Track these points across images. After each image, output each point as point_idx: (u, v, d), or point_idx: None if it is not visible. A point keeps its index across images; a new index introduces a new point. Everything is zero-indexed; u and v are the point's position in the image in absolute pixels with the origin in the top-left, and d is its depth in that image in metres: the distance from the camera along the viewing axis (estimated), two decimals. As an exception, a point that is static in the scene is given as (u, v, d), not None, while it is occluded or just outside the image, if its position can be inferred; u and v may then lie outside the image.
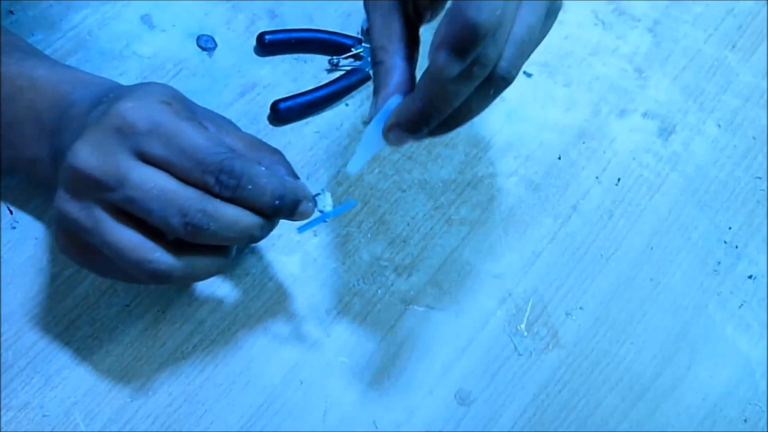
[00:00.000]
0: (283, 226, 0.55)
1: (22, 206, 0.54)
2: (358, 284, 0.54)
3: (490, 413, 0.52)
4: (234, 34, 0.62)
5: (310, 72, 0.61)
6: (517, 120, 0.61)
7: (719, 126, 0.63)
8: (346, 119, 0.60)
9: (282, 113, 0.58)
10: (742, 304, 0.57)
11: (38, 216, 0.53)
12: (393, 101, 0.42)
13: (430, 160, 0.59)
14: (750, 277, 0.58)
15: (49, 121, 0.47)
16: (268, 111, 0.59)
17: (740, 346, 0.56)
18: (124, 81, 0.50)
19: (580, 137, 0.62)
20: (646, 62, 0.65)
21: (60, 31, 0.59)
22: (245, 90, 0.60)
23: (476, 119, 0.42)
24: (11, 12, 0.59)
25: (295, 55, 0.62)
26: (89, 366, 0.50)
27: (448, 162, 0.59)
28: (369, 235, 0.56)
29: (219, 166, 0.42)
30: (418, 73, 0.42)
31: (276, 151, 0.48)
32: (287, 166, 0.48)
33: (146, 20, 0.61)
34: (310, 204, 0.45)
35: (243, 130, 0.58)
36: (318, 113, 0.60)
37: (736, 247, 0.59)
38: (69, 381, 0.49)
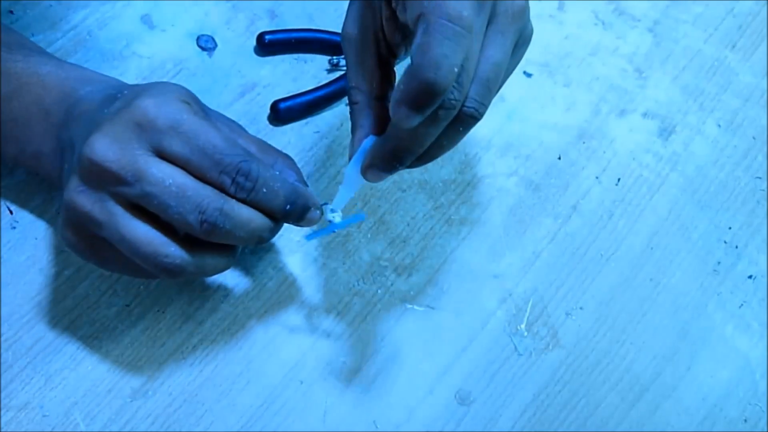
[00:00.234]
0: (283, 226, 0.55)
1: (22, 206, 0.54)
2: (358, 284, 0.54)
3: (490, 413, 0.52)
4: (234, 34, 0.62)
5: (310, 72, 0.61)
6: (517, 120, 0.61)
7: (719, 126, 0.63)
8: (346, 119, 0.60)
9: (282, 113, 0.58)
10: (742, 304, 0.57)
11: (38, 216, 0.53)
12: (367, 141, 0.44)
13: (430, 160, 0.59)
14: (750, 277, 0.58)
15: (56, 116, 0.47)
16: (268, 111, 0.59)
17: (740, 346, 0.56)
18: (125, 81, 0.50)
19: (580, 137, 0.62)
20: (646, 62, 0.65)
21: (60, 31, 0.59)
22: (245, 90, 0.60)
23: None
24: (11, 12, 0.59)
25: (295, 55, 0.62)
26: (89, 366, 0.50)
27: (448, 162, 0.59)
28: (369, 235, 0.56)
29: (236, 167, 0.43)
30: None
31: (287, 156, 0.50)
32: (298, 171, 0.49)
33: (146, 20, 0.61)
34: (318, 212, 0.47)
35: (243, 130, 0.58)
36: (318, 113, 0.60)
37: (736, 247, 0.59)
38: (69, 381, 0.49)
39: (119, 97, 0.45)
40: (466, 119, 0.41)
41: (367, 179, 0.44)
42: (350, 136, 0.46)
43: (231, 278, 0.53)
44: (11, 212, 0.54)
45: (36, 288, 0.52)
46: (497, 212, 0.58)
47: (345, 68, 0.60)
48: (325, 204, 0.48)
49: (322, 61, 0.61)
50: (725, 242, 0.59)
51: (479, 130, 0.60)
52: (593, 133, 0.62)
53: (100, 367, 0.50)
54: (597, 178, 0.60)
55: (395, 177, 0.58)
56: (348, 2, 0.46)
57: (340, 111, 0.60)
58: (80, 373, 0.50)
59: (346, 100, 0.60)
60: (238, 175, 0.43)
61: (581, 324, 0.55)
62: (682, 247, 0.59)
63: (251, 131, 0.58)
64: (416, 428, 0.51)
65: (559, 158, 0.61)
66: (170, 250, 0.43)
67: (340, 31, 0.62)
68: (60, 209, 0.45)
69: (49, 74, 0.49)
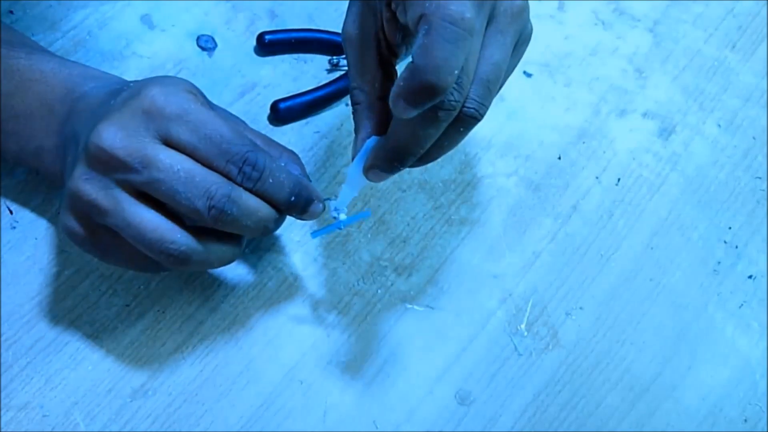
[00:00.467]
0: (283, 226, 0.55)
1: (22, 206, 0.54)
2: (358, 284, 0.54)
3: (490, 413, 0.52)
4: (234, 34, 0.62)
5: (310, 72, 0.61)
6: (517, 120, 0.61)
7: (719, 126, 0.63)
8: (346, 119, 0.60)
9: (282, 113, 0.58)
10: (742, 304, 0.57)
11: (38, 216, 0.53)
12: (369, 142, 0.44)
13: (430, 160, 0.59)
14: (750, 277, 0.58)
15: (59, 113, 0.48)
16: (268, 111, 0.59)
17: (740, 346, 0.56)
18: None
19: (580, 137, 0.62)
20: (646, 62, 0.65)
21: (60, 31, 0.59)
22: (245, 90, 0.60)
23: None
24: (11, 12, 0.59)
25: (295, 55, 0.62)
26: (89, 366, 0.50)
27: (448, 162, 0.59)
28: (369, 235, 0.56)
29: (243, 157, 0.43)
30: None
31: (292, 152, 0.50)
32: (302, 166, 0.50)
33: (146, 20, 0.61)
34: (321, 205, 0.47)
35: (243, 130, 0.58)
36: (318, 113, 0.60)
37: (736, 247, 0.59)
38: (69, 381, 0.49)
39: (125, 89, 0.45)
40: (466, 120, 0.41)
41: (369, 179, 0.45)
42: (351, 136, 0.46)
43: (231, 278, 0.53)
44: (11, 212, 0.54)
45: (36, 288, 0.52)
46: (497, 212, 0.58)
47: (345, 68, 0.61)
48: (328, 199, 0.48)
49: (322, 61, 0.61)
50: (725, 242, 0.59)
51: (479, 130, 0.60)
52: (593, 133, 0.62)
53: (100, 367, 0.50)
54: (597, 178, 0.60)
55: (395, 177, 0.58)
56: (348, 2, 0.46)
57: (340, 111, 0.60)
58: (80, 373, 0.50)
59: (346, 100, 0.60)
60: (245, 164, 0.43)
61: (581, 324, 0.55)
62: (682, 247, 0.59)
63: (251, 131, 0.58)
64: (416, 428, 0.51)
65: (559, 158, 0.61)
66: (176, 236, 0.43)
67: (340, 31, 0.62)
68: (60, 208, 0.45)
69: (52, 71, 0.49)
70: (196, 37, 0.61)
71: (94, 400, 0.49)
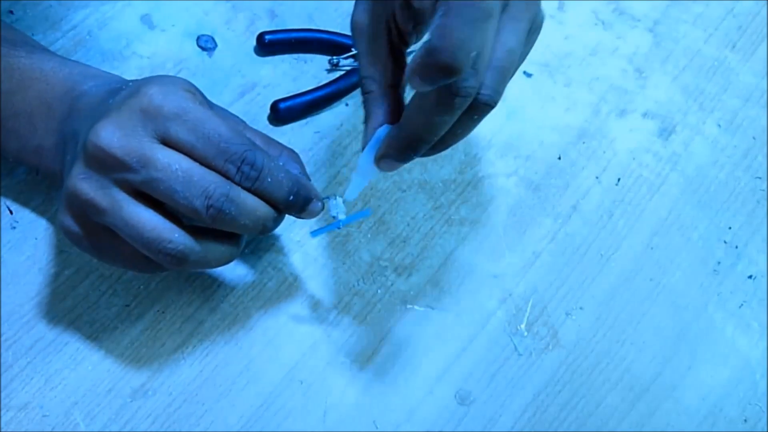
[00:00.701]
0: (282, 225, 0.55)
1: (22, 206, 0.54)
2: (358, 284, 0.54)
3: (490, 413, 0.52)
4: (234, 34, 0.62)
5: (310, 72, 0.61)
6: (517, 120, 0.61)
7: (719, 126, 0.63)
8: (346, 119, 0.60)
9: (282, 113, 0.58)
10: (742, 304, 0.57)
11: (38, 216, 0.53)
12: (381, 131, 0.44)
13: (430, 160, 0.59)
14: (750, 277, 0.58)
15: (59, 111, 0.48)
16: (268, 111, 0.59)
17: (740, 346, 0.56)
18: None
19: (580, 137, 0.62)
20: (646, 62, 0.65)
21: (60, 31, 0.59)
22: (245, 90, 0.60)
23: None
24: (11, 12, 0.59)
25: (295, 55, 0.62)
26: (89, 366, 0.50)
27: (448, 162, 0.59)
28: (369, 235, 0.56)
29: (242, 156, 0.43)
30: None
31: (292, 150, 0.50)
32: (301, 165, 0.49)
33: (146, 20, 0.61)
34: (320, 203, 0.47)
35: (243, 130, 0.58)
36: (318, 113, 0.60)
37: (736, 247, 0.59)
38: (69, 381, 0.50)
39: (124, 88, 0.45)
40: (481, 107, 0.41)
41: (380, 169, 0.44)
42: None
43: (231, 278, 0.53)
44: (11, 212, 0.54)
45: (36, 288, 0.52)
46: (497, 212, 0.58)
47: (345, 68, 0.61)
48: (328, 198, 0.48)
49: (322, 61, 0.61)
50: (725, 242, 0.59)
51: (479, 130, 0.59)
52: (593, 133, 0.62)
53: (100, 367, 0.50)
54: (597, 178, 0.60)
55: (395, 177, 0.58)
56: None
57: (340, 111, 0.60)
58: (80, 373, 0.50)
59: (346, 100, 0.60)
60: (243, 164, 0.43)
61: (581, 324, 0.55)
62: (682, 247, 0.59)
63: (251, 131, 0.58)
64: (416, 428, 0.51)
65: (559, 158, 0.61)
66: (174, 236, 0.43)
67: (339, 30, 0.62)
68: (58, 206, 0.45)
69: (53, 70, 0.49)
70: (196, 37, 0.61)
71: (94, 400, 0.49)
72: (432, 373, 0.53)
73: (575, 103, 0.63)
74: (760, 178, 0.62)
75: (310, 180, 0.48)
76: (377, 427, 0.51)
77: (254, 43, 0.61)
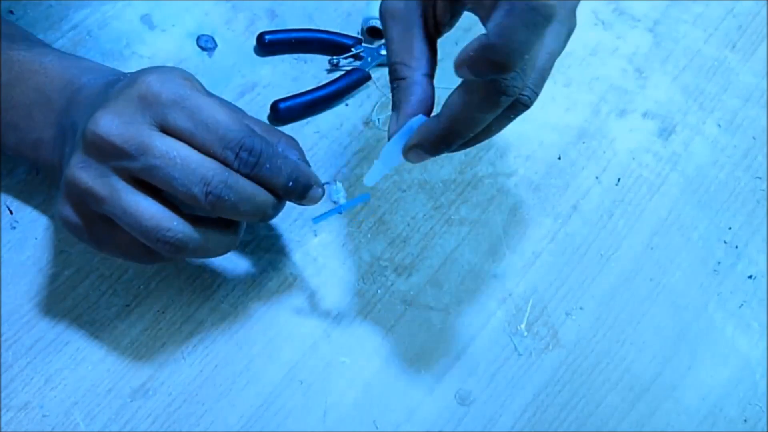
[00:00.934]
0: (282, 225, 0.56)
1: (22, 206, 0.54)
2: (358, 284, 0.54)
3: (490, 413, 0.52)
4: (234, 34, 0.62)
5: (310, 72, 0.61)
6: (517, 120, 0.61)
7: (719, 126, 0.63)
8: (346, 119, 0.60)
9: (282, 113, 0.58)
10: (742, 304, 0.57)
11: (38, 216, 0.53)
12: (415, 120, 0.43)
13: (430, 160, 0.58)
14: (750, 277, 0.58)
15: (58, 104, 0.48)
16: (269, 111, 0.59)
17: (740, 346, 0.56)
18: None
19: (580, 137, 0.62)
20: (646, 62, 0.65)
21: (60, 31, 0.59)
22: (245, 90, 0.60)
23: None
24: (11, 12, 0.59)
25: (295, 55, 0.62)
26: (89, 366, 0.50)
27: (448, 162, 0.59)
28: (369, 235, 0.56)
29: (240, 143, 0.43)
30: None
31: (291, 137, 0.50)
32: (300, 151, 0.49)
33: (146, 20, 0.61)
34: (320, 189, 0.47)
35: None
36: (318, 113, 0.60)
37: (736, 247, 0.59)
38: (69, 381, 0.50)
39: (122, 79, 0.45)
40: (519, 107, 0.42)
41: (408, 159, 0.44)
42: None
43: (231, 278, 0.53)
44: (11, 212, 0.54)
45: (36, 288, 0.52)
46: (497, 212, 0.58)
47: (345, 68, 0.61)
48: (327, 183, 0.48)
49: (322, 61, 0.61)
50: (725, 242, 0.59)
51: (479, 130, 0.60)
52: (593, 133, 0.62)
53: (100, 367, 0.50)
54: (597, 178, 0.60)
55: (395, 177, 0.58)
56: None
57: (340, 111, 0.60)
58: (80, 373, 0.50)
59: (346, 100, 0.60)
60: (242, 150, 0.43)
61: (581, 324, 0.55)
62: (682, 247, 0.59)
63: (251, 131, 0.58)
64: (416, 428, 0.51)
65: (559, 158, 0.61)
66: (173, 224, 0.43)
67: (340, 30, 0.62)
68: (58, 193, 0.45)
69: (52, 63, 0.49)
70: (196, 37, 0.61)
71: (94, 400, 0.49)
72: (432, 373, 0.53)
73: (575, 103, 0.63)
74: (760, 178, 0.62)
75: (310, 166, 0.48)
76: (377, 427, 0.51)
77: (254, 43, 0.61)
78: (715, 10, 0.68)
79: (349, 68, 0.61)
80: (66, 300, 0.51)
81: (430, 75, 0.44)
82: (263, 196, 0.44)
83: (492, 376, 0.53)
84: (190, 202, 0.43)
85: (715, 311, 0.57)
